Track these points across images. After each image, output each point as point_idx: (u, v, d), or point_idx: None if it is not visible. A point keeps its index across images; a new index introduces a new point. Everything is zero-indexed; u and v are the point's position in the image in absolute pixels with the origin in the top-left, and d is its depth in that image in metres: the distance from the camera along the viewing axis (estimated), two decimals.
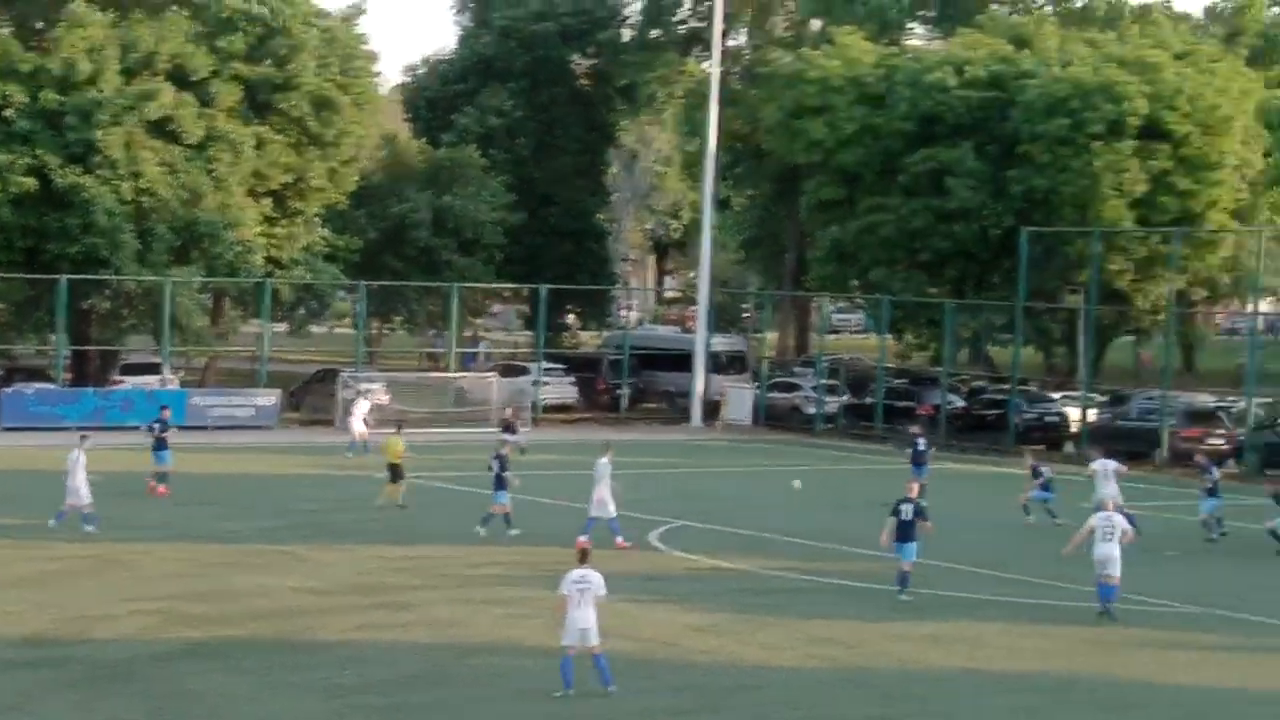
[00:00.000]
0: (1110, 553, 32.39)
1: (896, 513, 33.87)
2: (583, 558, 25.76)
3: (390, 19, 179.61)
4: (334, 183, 73.49)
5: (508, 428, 55.84)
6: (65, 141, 66.60)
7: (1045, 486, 45.51)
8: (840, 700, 25.76)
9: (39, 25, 74.66)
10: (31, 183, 65.46)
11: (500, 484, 41.30)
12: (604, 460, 39.77)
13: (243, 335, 78.48)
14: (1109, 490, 41.99)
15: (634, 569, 36.71)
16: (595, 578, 25.34)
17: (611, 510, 39.20)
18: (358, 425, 58.22)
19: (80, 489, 39.92)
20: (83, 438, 41.98)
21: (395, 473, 45.23)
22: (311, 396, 70.66)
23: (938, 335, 72.24)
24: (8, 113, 66.43)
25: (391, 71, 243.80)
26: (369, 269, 75.29)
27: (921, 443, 49.30)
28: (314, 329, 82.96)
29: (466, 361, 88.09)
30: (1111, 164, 69.05)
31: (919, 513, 33.80)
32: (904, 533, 33.68)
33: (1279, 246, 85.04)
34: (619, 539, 38.83)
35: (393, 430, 48.20)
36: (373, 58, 75.74)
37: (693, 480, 54.08)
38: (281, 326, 78.29)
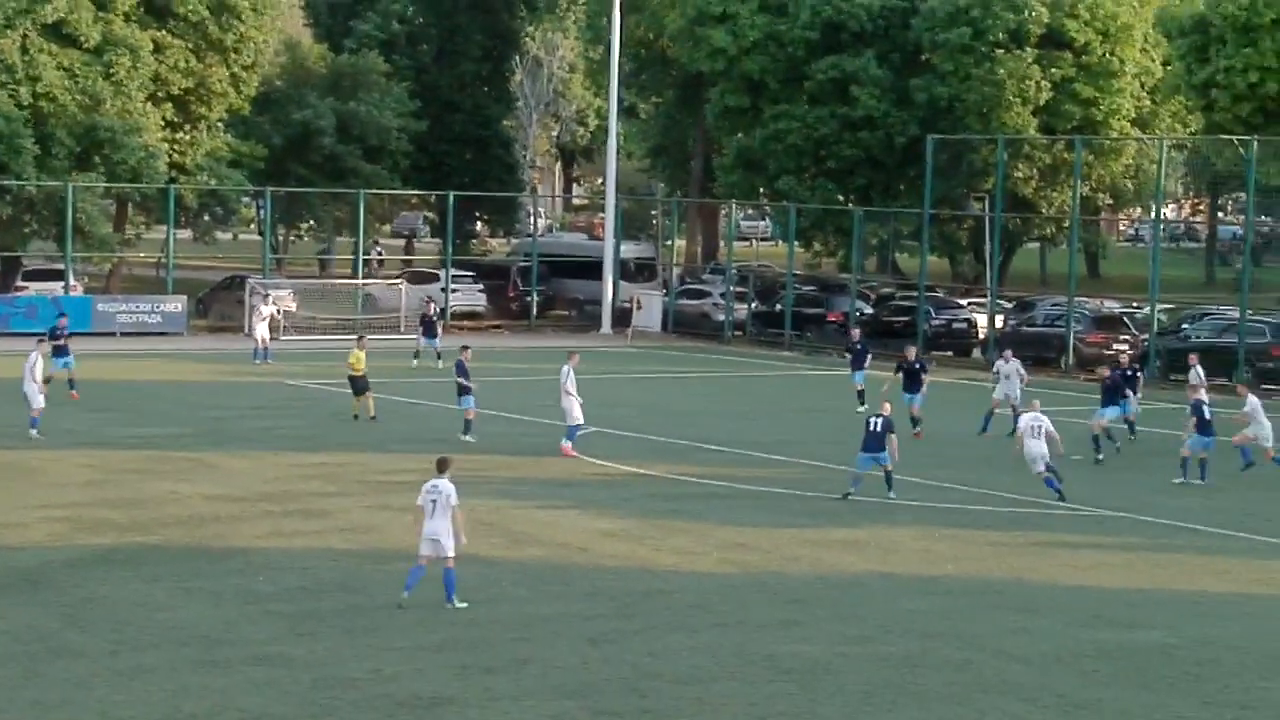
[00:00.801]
0: (1039, 449, 34.75)
1: (866, 422, 34.45)
2: (441, 467, 25.63)
3: None
4: (236, 88, 72.80)
5: (428, 327, 55.88)
6: None
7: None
8: (752, 604, 25.92)
9: None
10: None
11: (464, 390, 41.45)
12: (567, 368, 39.82)
13: (147, 242, 77.79)
14: (1012, 390, 42.93)
15: (546, 475, 36.79)
16: (447, 487, 25.21)
17: (576, 417, 39.25)
18: (260, 330, 57.64)
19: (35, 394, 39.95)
20: (39, 342, 41.76)
21: (357, 385, 44.24)
22: (218, 304, 70.25)
23: (846, 243, 72.50)
24: None
25: None
26: (274, 176, 74.72)
27: (860, 345, 49.54)
28: (220, 236, 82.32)
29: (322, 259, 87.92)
30: (1014, 72, 69.44)
31: (888, 426, 34.12)
32: (868, 443, 34.07)
33: (1180, 155, 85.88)
34: (567, 444, 38.97)
35: (353, 342, 46.40)
36: None
37: (603, 387, 54.05)
38: (186, 233, 77.62)
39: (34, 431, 39.49)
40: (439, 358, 54.40)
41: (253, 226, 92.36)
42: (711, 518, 32.54)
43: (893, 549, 30.22)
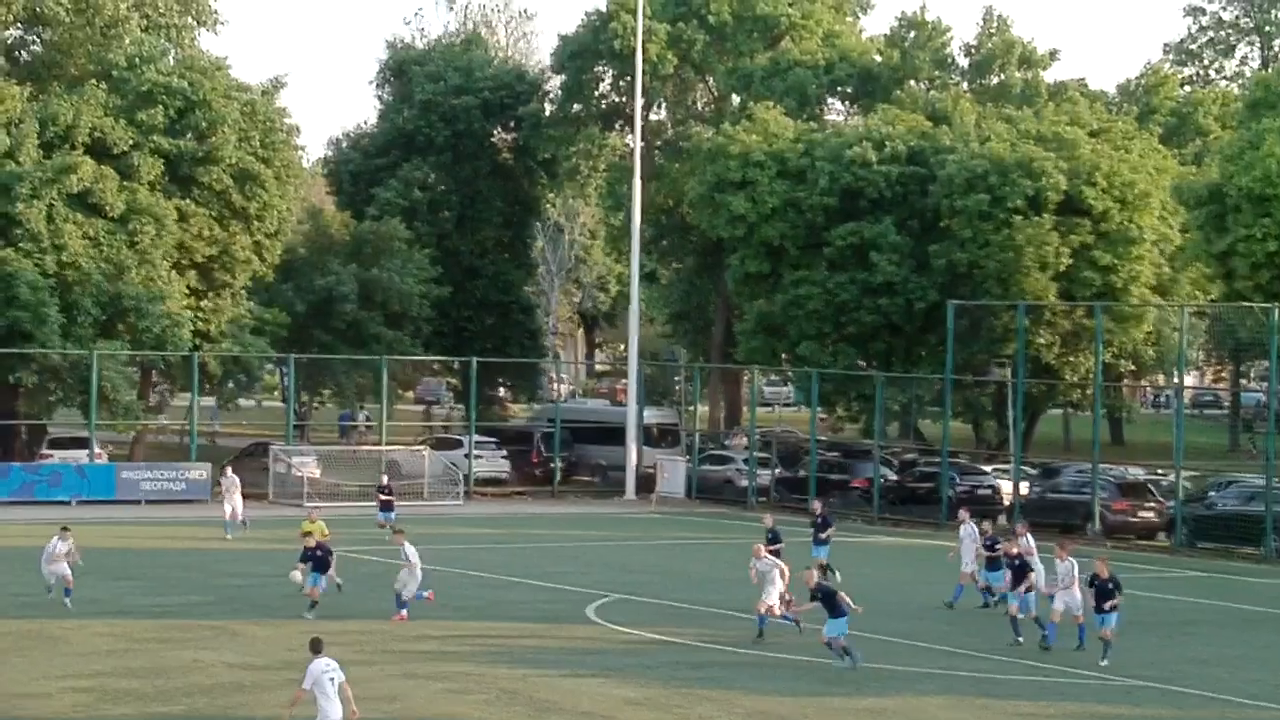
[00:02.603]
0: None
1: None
2: (317, 648, 25.15)
3: (312, 93, 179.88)
4: (259, 256, 73.34)
5: (387, 501, 54.93)
6: None
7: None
8: None
9: None
10: None
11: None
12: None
13: (172, 409, 78.00)
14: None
15: (569, 642, 36.58)
16: (336, 666, 24.89)
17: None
18: (232, 502, 55.32)
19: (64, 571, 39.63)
20: (64, 529, 41.06)
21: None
22: (242, 470, 70.14)
23: (868, 408, 72.50)
24: None
25: (315, 145, 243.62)
26: (297, 342, 75.09)
27: (822, 519, 47.27)
28: (243, 403, 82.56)
29: (342, 425, 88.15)
30: (1032, 238, 69.78)
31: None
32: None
33: (1201, 321, 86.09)
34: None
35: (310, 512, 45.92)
36: (294, 131, 75.91)
37: (627, 553, 53.98)
38: (210, 400, 77.83)
39: (67, 601, 39.27)
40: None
41: (276, 393, 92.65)
42: (737, 685, 32.29)
43: (919, 718, 29.90)
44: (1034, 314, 69.43)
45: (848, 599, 34.58)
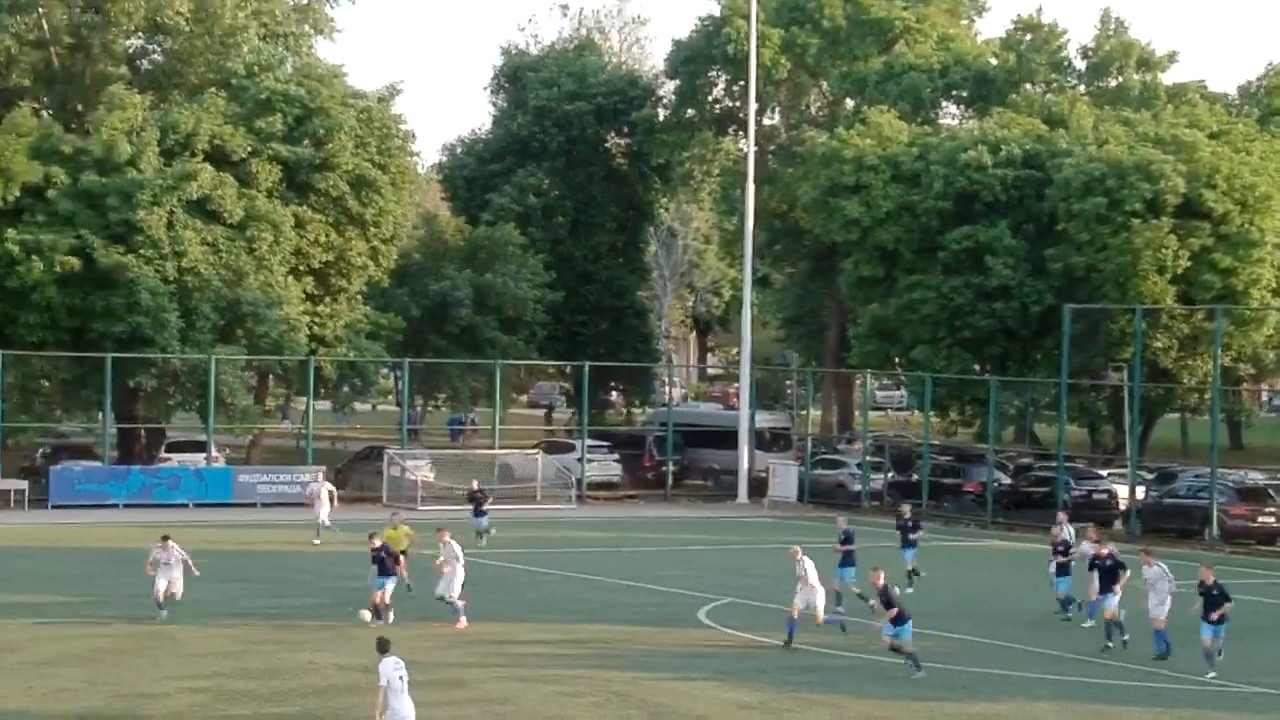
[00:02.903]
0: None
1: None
2: (385, 647, 25.28)
3: (427, 99, 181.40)
4: (375, 261, 73.87)
5: (477, 505, 54.49)
6: (107, 222, 67.20)
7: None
8: None
9: (79, 108, 75.64)
10: (75, 262, 65.91)
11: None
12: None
13: (288, 412, 78.74)
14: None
15: (682, 646, 36.60)
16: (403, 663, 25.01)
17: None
18: (322, 510, 54.23)
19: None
20: (164, 538, 40.55)
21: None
22: (357, 474, 70.80)
23: (981, 413, 72.07)
24: (50, 193, 67.02)
25: (430, 151, 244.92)
26: (412, 347, 75.55)
27: (911, 522, 46.38)
28: (358, 407, 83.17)
29: (452, 429, 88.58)
30: (1150, 241, 69.05)
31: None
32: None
33: None
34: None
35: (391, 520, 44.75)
36: (410, 137, 76.34)
37: (739, 557, 53.93)
38: (325, 404, 78.50)
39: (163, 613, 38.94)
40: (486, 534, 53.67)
41: (391, 397, 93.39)
42: (848, 689, 32.21)
43: None
44: (1151, 318, 68.76)
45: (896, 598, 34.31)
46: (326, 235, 71.86)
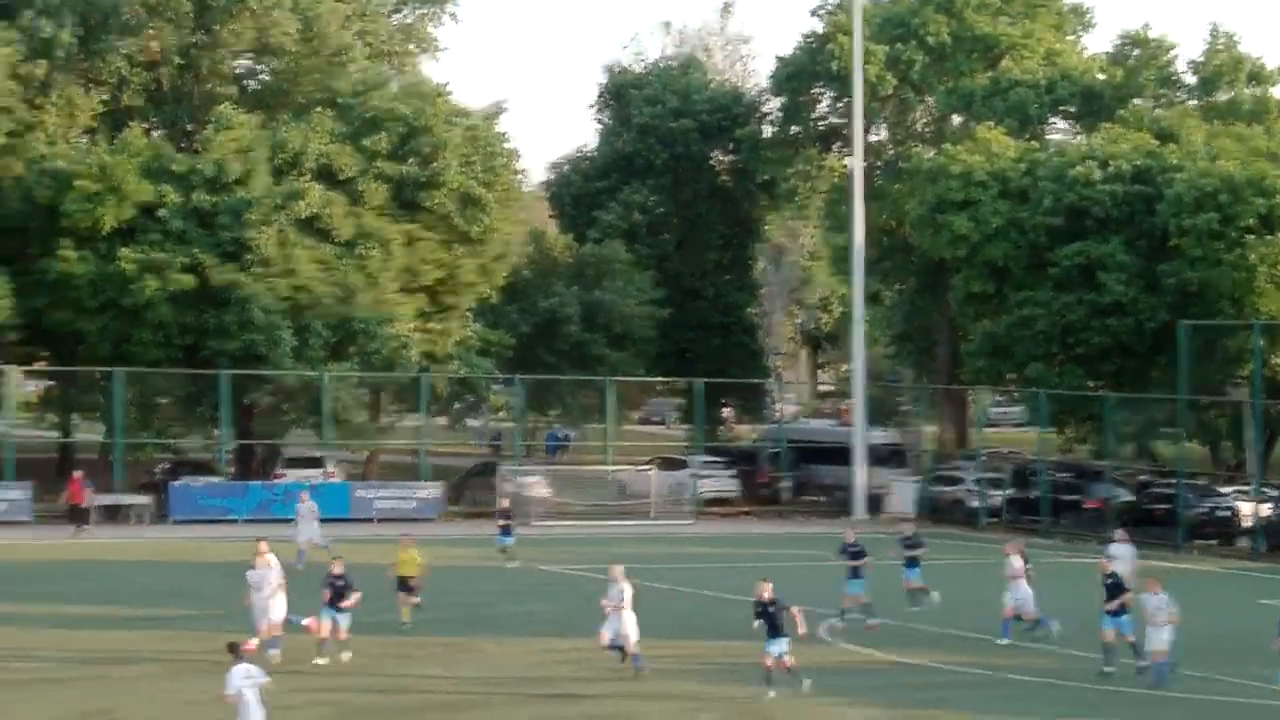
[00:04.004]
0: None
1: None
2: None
3: (532, 117, 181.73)
4: (484, 278, 74.07)
5: (505, 525, 53.27)
6: (219, 240, 67.81)
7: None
8: None
9: (189, 127, 76.42)
10: (189, 280, 66.55)
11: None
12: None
13: (402, 429, 79.10)
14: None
15: (803, 663, 36.34)
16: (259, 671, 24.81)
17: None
18: (305, 532, 51.28)
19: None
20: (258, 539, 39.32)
21: (405, 585, 40.07)
22: (471, 489, 71.01)
23: (1098, 429, 71.35)
24: (162, 212, 67.66)
25: (536, 169, 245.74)
26: (522, 363, 75.70)
27: (911, 541, 45.20)
28: (471, 422, 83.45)
29: (550, 445, 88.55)
30: (1266, 256, 68.09)
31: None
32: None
33: None
34: None
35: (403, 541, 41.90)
36: (515, 155, 76.43)
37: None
38: (439, 420, 78.79)
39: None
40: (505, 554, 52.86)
41: (502, 413, 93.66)
42: (969, 707, 31.91)
43: None
44: (1271, 333, 67.81)
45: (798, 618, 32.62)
46: (436, 253, 72.09)
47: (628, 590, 34.46)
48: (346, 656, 34.93)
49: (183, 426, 70.59)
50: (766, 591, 32.41)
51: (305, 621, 35.42)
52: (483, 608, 43.87)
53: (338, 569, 35.48)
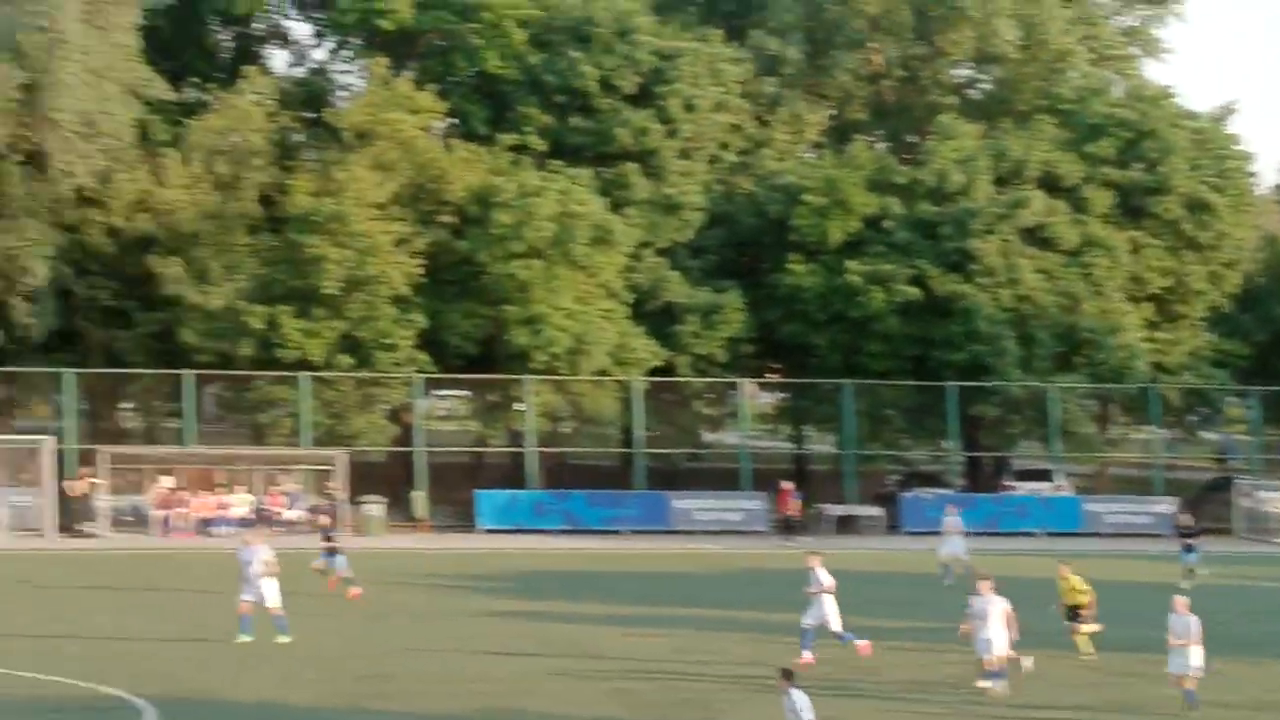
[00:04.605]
0: None
1: None
2: None
3: (1269, 118, 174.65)
4: (1215, 285, 71.73)
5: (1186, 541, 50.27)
6: (942, 250, 67.94)
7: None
8: None
9: (911, 138, 76.86)
10: (915, 292, 67.00)
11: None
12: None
13: (1132, 441, 77.23)
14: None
15: None
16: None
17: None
18: (949, 548, 49.70)
19: None
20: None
21: (1074, 614, 37.28)
22: (1207, 504, 68.43)
23: None
24: (887, 224, 68.27)
25: (1269, 172, 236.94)
26: (1260, 373, 72.67)
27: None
28: (1207, 435, 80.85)
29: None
30: None
31: None
32: None
33: None
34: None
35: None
36: (1248, 158, 73.78)
37: None
38: (1171, 432, 76.51)
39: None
40: None
41: (1241, 426, 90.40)
42: None
43: None
44: None
45: None
46: (1162, 260, 70.41)
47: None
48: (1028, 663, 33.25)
49: (911, 438, 70.80)
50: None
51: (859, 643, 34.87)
52: (1224, 626, 41.76)
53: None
